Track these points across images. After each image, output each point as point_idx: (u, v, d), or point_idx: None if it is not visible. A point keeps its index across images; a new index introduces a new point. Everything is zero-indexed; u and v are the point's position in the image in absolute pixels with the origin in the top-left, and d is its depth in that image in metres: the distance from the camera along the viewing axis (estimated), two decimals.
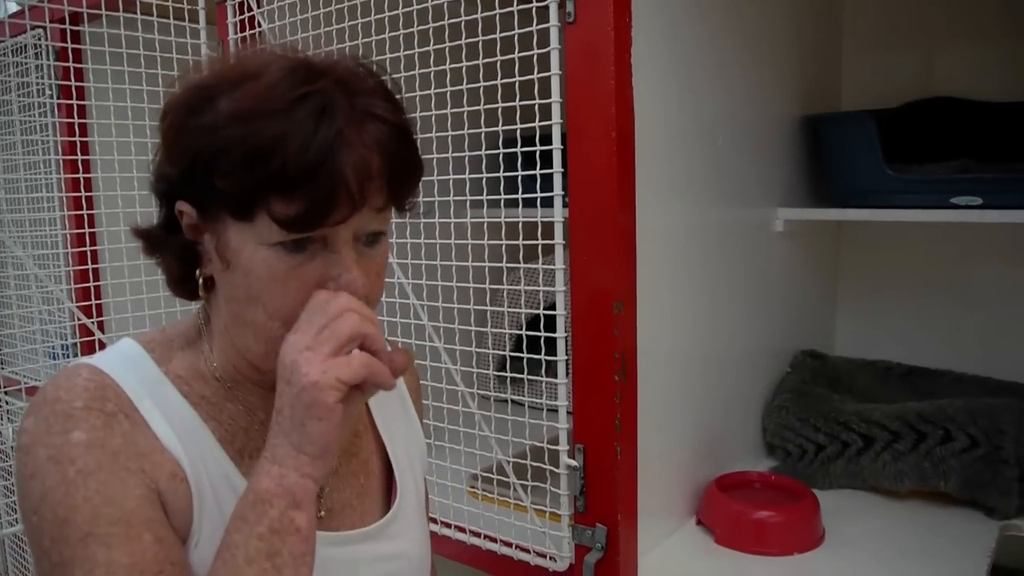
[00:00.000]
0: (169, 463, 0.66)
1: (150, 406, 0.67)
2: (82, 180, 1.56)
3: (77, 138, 1.53)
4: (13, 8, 1.80)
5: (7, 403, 1.72)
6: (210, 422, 0.71)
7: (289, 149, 0.60)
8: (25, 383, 1.59)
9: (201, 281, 0.71)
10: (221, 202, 0.64)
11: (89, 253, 1.55)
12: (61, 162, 1.60)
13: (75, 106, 1.55)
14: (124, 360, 0.70)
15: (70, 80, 1.57)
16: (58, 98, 1.62)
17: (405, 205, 0.71)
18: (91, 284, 1.57)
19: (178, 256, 0.71)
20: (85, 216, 1.55)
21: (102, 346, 1.57)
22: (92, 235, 1.57)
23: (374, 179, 0.63)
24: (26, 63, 1.68)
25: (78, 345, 1.59)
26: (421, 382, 1.16)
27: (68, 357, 1.70)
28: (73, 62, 1.59)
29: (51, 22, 1.60)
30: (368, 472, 0.82)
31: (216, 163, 0.62)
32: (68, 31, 1.58)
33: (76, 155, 1.53)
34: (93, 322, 1.49)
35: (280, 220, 0.61)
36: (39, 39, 1.68)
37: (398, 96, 0.69)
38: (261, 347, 0.68)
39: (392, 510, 0.81)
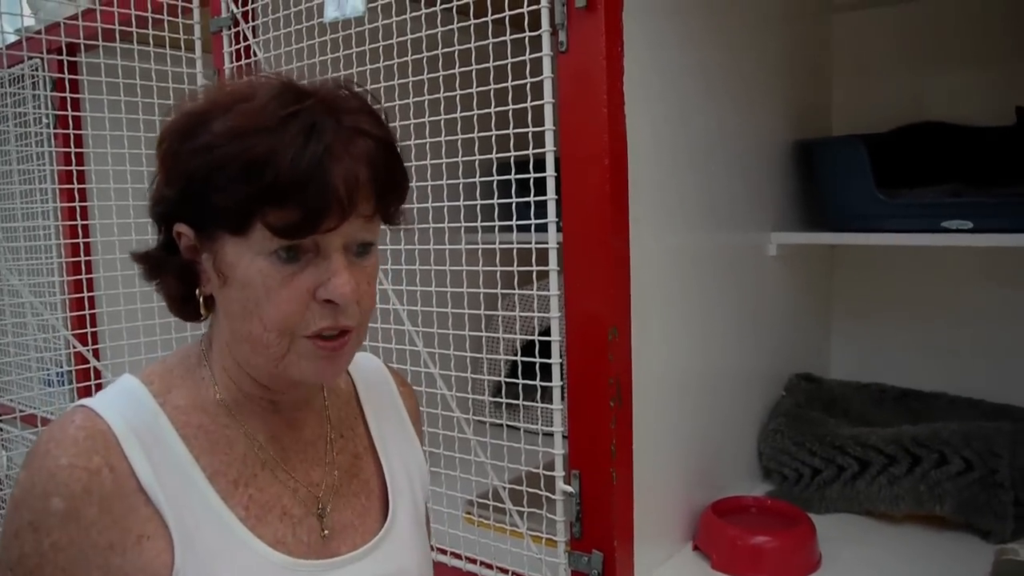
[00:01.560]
0: (141, 521, 0.67)
1: (138, 452, 0.68)
2: (78, 209, 1.56)
3: (74, 167, 1.54)
4: (11, 39, 1.82)
5: (3, 431, 1.72)
6: (203, 456, 0.72)
7: (281, 162, 0.63)
8: (21, 411, 1.58)
9: (202, 300, 0.73)
10: (218, 218, 0.67)
11: (85, 281, 1.55)
12: (57, 191, 1.60)
13: (72, 135, 1.56)
14: (121, 398, 0.72)
15: (67, 110, 1.58)
16: (55, 128, 1.63)
17: (393, 216, 0.74)
18: (87, 312, 1.57)
19: (178, 276, 0.73)
20: (81, 244, 1.56)
21: (98, 373, 1.57)
22: (88, 263, 1.57)
23: (361, 189, 0.67)
24: (22, 93, 1.69)
25: (73, 373, 1.59)
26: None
27: (63, 384, 1.70)
28: (70, 92, 1.61)
29: (48, 52, 1.62)
30: (369, 492, 0.83)
31: (213, 179, 0.66)
32: (65, 62, 1.60)
33: (73, 184, 1.53)
34: (88, 350, 1.49)
35: (275, 228, 0.65)
36: (36, 69, 1.69)
37: (381, 113, 0.73)
38: (260, 360, 0.70)
39: (382, 531, 0.81)
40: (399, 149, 0.73)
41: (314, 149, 0.64)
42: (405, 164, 0.74)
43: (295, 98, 0.67)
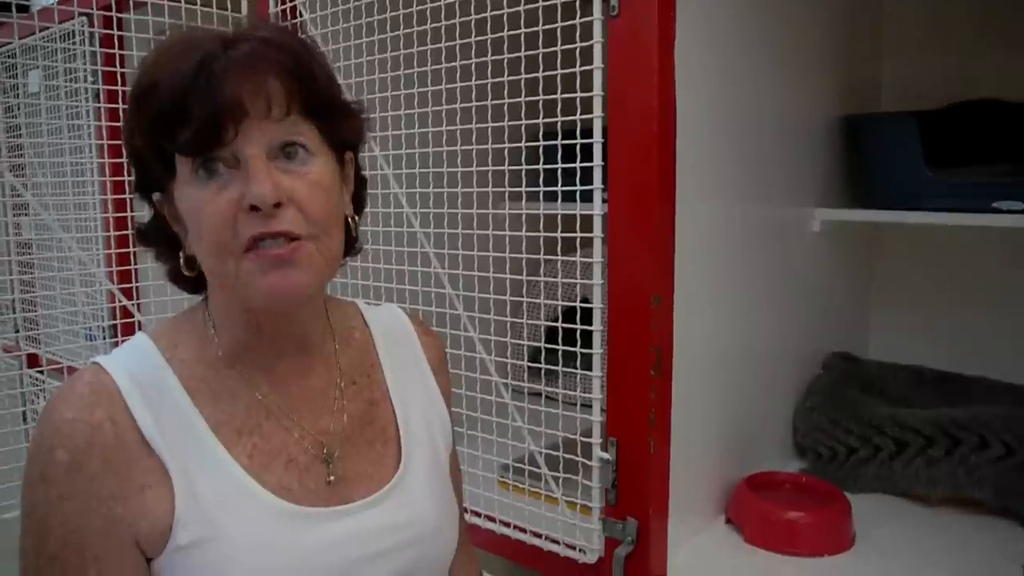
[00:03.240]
0: (143, 472, 0.69)
1: (141, 405, 0.71)
2: (125, 165, 1.58)
3: (121, 123, 1.56)
4: None
5: (48, 383, 1.75)
6: (206, 407, 0.74)
7: (162, 86, 0.66)
8: (67, 363, 1.62)
9: (183, 260, 0.76)
10: (149, 163, 0.71)
11: (130, 237, 1.58)
12: (105, 147, 1.62)
13: (120, 92, 1.58)
14: (131, 354, 0.75)
15: (114, 67, 1.60)
16: (101, 84, 1.64)
17: (333, 120, 0.74)
18: (132, 267, 1.60)
19: (168, 244, 0.77)
20: (128, 201, 1.58)
21: (139, 327, 1.60)
22: (132, 219, 1.60)
23: (254, 92, 0.68)
24: (73, 49, 1.70)
25: (118, 327, 1.62)
26: (455, 371, 1.17)
27: (105, 339, 1.73)
28: (118, 49, 1.62)
29: (97, 9, 1.63)
30: (386, 439, 0.83)
31: (131, 127, 0.70)
32: (114, 18, 1.61)
33: (119, 140, 1.55)
34: (134, 304, 1.51)
35: (180, 148, 0.67)
36: (83, 26, 1.70)
37: (302, 34, 0.76)
38: (223, 293, 0.74)
39: (394, 478, 0.81)
40: (306, 48, 0.73)
41: (189, 66, 0.66)
42: (327, 67, 0.75)
43: (186, 34, 0.70)
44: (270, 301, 0.71)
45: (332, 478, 0.78)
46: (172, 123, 0.66)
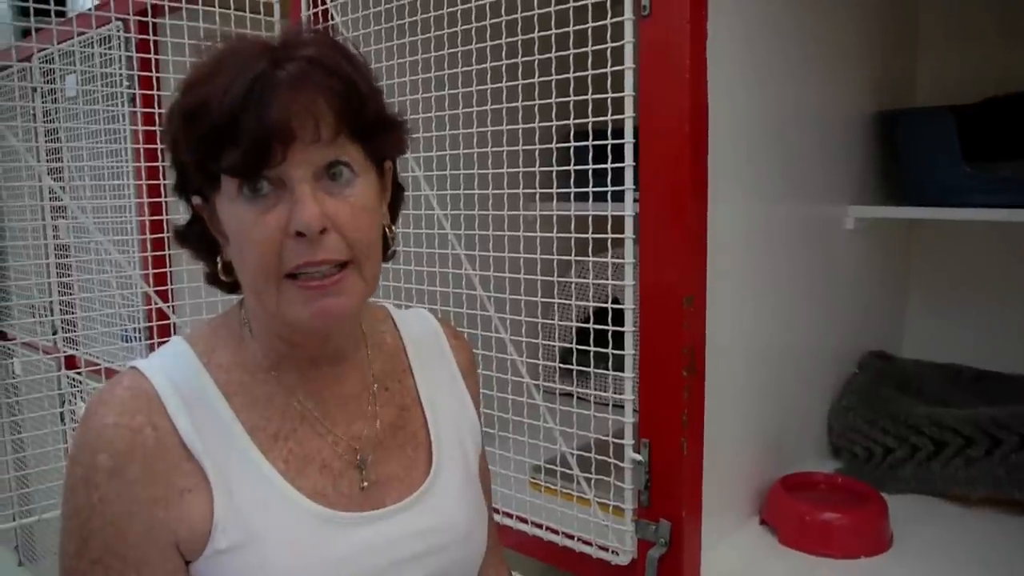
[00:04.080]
0: (183, 476, 0.70)
1: (180, 410, 0.71)
2: (161, 169, 1.60)
3: (157, 128, 1.58)
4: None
5: (86, 384, 1.79)
6: (243, 411, 0.75)
7: (212, 106, 0.66)
8: (105, 365, 1.65)
9: (220, 265, 0.76)
10: (194, 177, 0.71)
11: (166, 239, 1.60)
12: (141, 150, 1.65)
13: (156, 97, 1.60)
14: (169, 359, 0.75)
15: (150, 71, 1.62)
16: (137, 89, 1.67)
17: (377, 138, 0.74)
18: (167, 270, 1.62)
19: (206, 248, 0.77)
20: (164, 204, 1.60)
21: (175, 328, 1.62)
22: (168, 222, 1.62)
23: (303, 115, 0.67)
24: (110, 54, 1.73)
25: (154, 328, 1.64)
26: (486, 372, 1.17)
27: (141, 340, 1.75)
28: (154, 54, 1.65)
29: (133, 14, 1.65)
30: (416, 444, 0.84)
31: (176, 140, 0.70)
32: (150, 23, 1.63)
33: (156, 144, 1.58)
34: (169, 306, 1.54)
35: (227, 170, 0.67)
36: (119, 30, 1.73)
37: (344, 44, 0.74)
38: (263, 309, 0.73)
39: (426, 483, 0.82)
40: (354, 66, 0.72)
41: (240, 86, 0.65)
42: (373, 82, 0.73)
43: (232, 47, 0.70)
44: (311, 326, 0.72)
45: (365, 484, 0.78)
46: (221, 144, 0.66)
